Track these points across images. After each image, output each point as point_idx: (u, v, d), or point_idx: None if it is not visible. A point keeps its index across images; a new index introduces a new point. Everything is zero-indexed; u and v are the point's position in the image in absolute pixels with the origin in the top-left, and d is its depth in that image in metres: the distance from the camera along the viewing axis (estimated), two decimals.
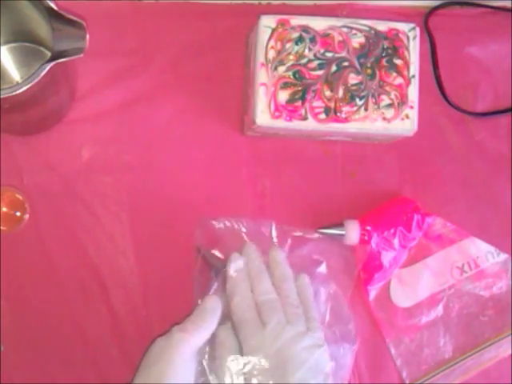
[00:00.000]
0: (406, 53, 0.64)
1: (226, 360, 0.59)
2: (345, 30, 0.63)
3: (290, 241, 0.67)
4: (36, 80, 0.53)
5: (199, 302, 0.63)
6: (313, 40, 0.63)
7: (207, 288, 0.65)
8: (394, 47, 0.64)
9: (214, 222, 0.67)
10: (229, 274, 0.62)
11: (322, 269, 0.67)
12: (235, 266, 0.63)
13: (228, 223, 0.67)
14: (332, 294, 0.67)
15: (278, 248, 0.65)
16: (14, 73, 0.67)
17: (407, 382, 0.69)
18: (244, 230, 0.66)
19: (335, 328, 0.66)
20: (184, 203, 0.68)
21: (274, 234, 0.67)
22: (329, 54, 0.63)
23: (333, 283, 0.67)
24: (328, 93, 0.63)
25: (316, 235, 0.67)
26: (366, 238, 0.67)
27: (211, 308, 0.61)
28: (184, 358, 0.57)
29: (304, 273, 0.65)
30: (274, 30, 0.63)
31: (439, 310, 0.70)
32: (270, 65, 0.62)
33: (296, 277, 0.64)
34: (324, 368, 0.60)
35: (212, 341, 0.61)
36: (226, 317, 0.62)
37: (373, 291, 0.69)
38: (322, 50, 0.63)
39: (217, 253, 0.66)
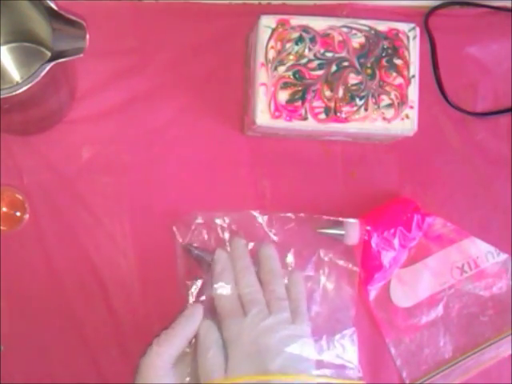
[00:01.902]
0: (406, 53, 0.64)
1: (208, 352, 0.59)
2: (345, 29, 0.63)
3: (277, 223, 0.67)
4: (36, 80, 0.53)
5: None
6: (313, 40, 0.63)
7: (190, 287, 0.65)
8: (394, 47, 0.64)
9: (193, 219, 0.67)
10: (214, 268, 0.63)
11: (318, 255, 0.68)
12: (220, 259, 0.63)
13: (208, 218, 0.67)
14: (332, 280, 0.67)
15: (270, 244, 0.66)
16: (14, 73, 0.67)
17: (407, 382, 0.69)
18: (227, 221, 0.67)
19: (337, 314, 0.67)
20: (184, 203, 0.68)
21: (263, 220, 0.67)
22: (329, 54, 0.63)
23: (333, 270, 0.68)
24: (328, 93, 0.63)
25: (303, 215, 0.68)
26: (366, 237, 0.67)
27: (187, 315, 0.61)
28: (157, 373, 0.57)
29: (297, 269, 0.66)
30: (274, 30, 0.63)
31: (439, 310, 0.70)
32: (270, 65, 0.62)
33: (290, 273, 0.65)
34: (308, 357, 0.60)
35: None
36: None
37: (373, 291, 0.69)
38: (322, 50, 0.63)
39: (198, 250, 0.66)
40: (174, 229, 0.66)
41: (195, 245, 0.66)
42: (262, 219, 0.67)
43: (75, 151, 0.68)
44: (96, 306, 0.67)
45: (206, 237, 0.66)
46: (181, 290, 0.65)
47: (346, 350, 0.66)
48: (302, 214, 0.67)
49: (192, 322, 0.61)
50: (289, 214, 0.67)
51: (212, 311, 0.63)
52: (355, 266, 0.67)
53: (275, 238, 0.67)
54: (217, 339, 0.60)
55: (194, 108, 0.69)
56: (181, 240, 0.66)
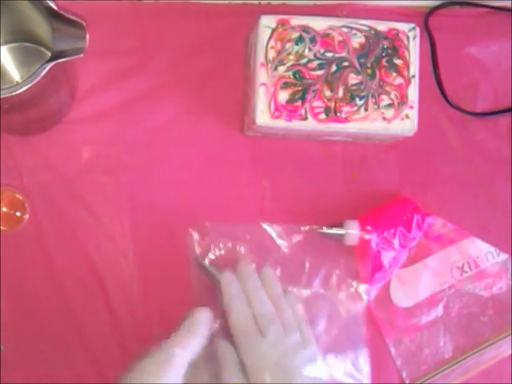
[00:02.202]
0: (406, 53, 0.64)
1: (230, 372, 0.59)
2: (345, 30, 0.63)
3: (287, 235, 0.67)
4: (36, 80, 0.53)
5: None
6: (313, 40, 0.63)
7: (206, 293, 0.65)
8: (394, 47, 0.64)
9: (204, 229, 0.67)
10: (224, 291, 0.62)
11: (327, 271, 0.68)
12: (229, 282, 0.63)
13: (222, 229, 0.67)
14: (341, 297, 0.68)
15: (270, 268, 0.65)
16: (14, 73, 0.67)
17: (407, 382, 0.69)
18: (247, 236, 0.67)
19: (347, 332, 0.67)
20: (184, 203, 0.68)
21: (274, 234, 0.67)
22: (329, 54, 0.63)
23: (342, 287, 0.68)
24: (328, 93, 0.63)
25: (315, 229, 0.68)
26: (366, 237, 0.67)
27: (200, 321, 0.60)
28: (178, 371, 0.57)
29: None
30: (274, 30, 0.63)
31: (439, 310, 0.70)
32: (270, 65, 0.62)
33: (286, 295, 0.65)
34: (322, 378, 0.60)
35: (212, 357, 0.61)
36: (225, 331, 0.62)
37: (373, 291, 0.69)
38: (322, 50, 0.63)
39: (208, 259, 0.67)
40: (191, 232, 0.66)
41: (207, 260, 0.66)
42: (271, 231, 0.67)
43: (75, 151, 0.68)
44: (96, 306, 0.67)
45: (216, 249, 0.66)
46: (194, 302, 0.65)
47: (359, 369, 0.66)
48: (314, 226, 0.67)
49: (206, 327, 0.59)
50: (299, 227, 0.67)
51: (226, 332, 0.62)
52: (363, 284, 0.68)
53: (285, 251, 0.67)
54: (236, 358, 0.60)
55: (194, 108, 0.69)
56: (194, 251, 0.66)
